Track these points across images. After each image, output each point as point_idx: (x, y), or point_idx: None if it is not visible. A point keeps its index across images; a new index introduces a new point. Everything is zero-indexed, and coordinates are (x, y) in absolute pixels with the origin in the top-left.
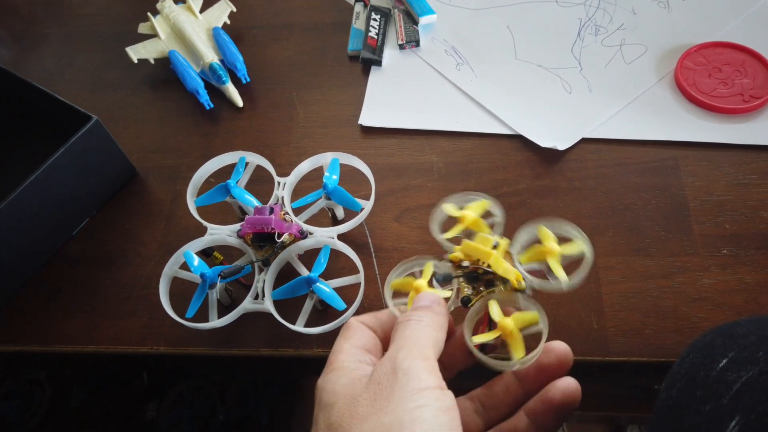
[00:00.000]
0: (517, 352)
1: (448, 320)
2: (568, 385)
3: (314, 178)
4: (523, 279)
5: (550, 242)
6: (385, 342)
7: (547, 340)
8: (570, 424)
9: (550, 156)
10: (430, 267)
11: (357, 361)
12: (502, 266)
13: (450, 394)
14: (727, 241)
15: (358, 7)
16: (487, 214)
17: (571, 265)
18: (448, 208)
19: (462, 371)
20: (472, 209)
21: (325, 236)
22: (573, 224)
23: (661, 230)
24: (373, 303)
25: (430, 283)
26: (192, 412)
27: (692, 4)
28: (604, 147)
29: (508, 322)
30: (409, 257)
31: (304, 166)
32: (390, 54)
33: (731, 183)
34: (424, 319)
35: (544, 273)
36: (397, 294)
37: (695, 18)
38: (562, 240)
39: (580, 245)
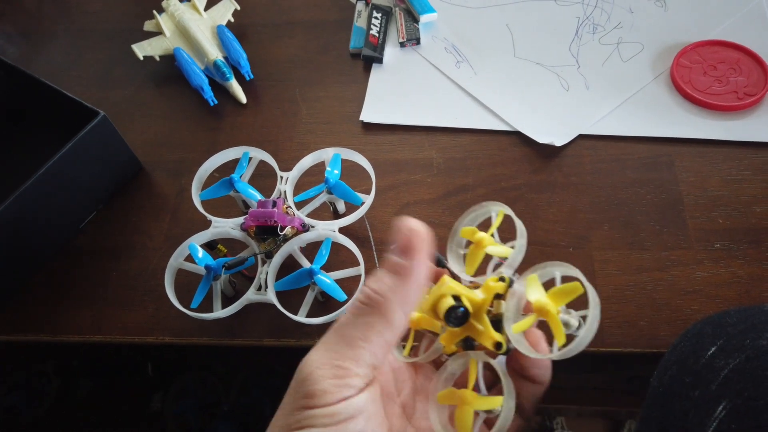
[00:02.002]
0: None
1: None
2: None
3: (316, 173)
4: (507, 342)
5: (544, 298)
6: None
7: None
8: (569, 418)
9: (548, 152)
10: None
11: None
12: (478, 331)
13: (356, 406)
14: (720, 235)
15: (360, 6)
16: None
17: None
18: (467, 232)
19: None
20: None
21: (326, 229)
22: (575, 270)
23: (656, 224)
24: None
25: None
26: (197, 402)
27: (688, 3)
28: (600, 143)
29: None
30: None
31: (307, 161)
32: (391, 51)
33: (725, 179)
34: (373, 315)
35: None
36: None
37: (691, 17)
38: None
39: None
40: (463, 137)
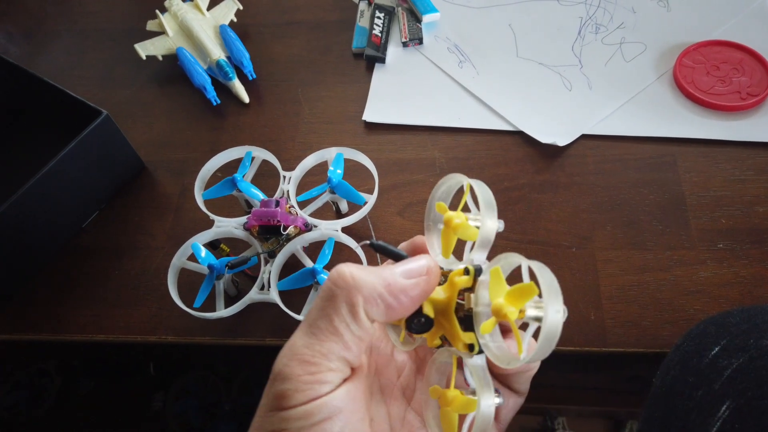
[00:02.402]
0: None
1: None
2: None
3: (319, 172)
4: (478, 343)
5: (505, 301)
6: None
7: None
8: (570, 418)
9: (551, 152)
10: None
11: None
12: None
13: (331, 406)
14: (723, 235)
15: (363, 5)
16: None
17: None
18: (440, 208)
19: None
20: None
21: (329, 229)
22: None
23: (659, 224)
24: None
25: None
26: (198, 402)
27: (691, 3)
28: (603, 143)
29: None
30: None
31: (309, 161)
32: (394, 51)
33: (728, 179)
34: (338, 301)
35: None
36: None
37: (694, 17)
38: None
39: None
40: (465, 137)
